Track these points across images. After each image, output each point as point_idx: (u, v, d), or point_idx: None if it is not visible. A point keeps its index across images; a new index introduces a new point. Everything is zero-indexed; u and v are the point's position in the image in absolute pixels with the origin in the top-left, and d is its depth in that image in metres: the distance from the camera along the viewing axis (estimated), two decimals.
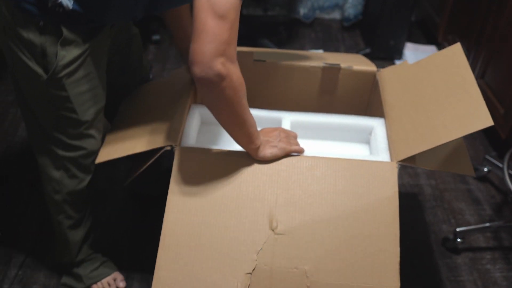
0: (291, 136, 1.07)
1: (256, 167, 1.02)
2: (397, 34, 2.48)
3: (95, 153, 1.16)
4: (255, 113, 1.18)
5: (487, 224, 1.63)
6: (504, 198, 1.77)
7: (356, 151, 1.21)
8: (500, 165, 1.70)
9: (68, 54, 0.98)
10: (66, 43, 0.97)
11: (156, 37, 2.56)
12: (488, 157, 1.82)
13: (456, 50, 1.12)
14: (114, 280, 1.42)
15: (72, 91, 1.02)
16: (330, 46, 2.66)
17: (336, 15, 2.93)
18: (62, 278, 1.42)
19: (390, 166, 1.01)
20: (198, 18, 0.79)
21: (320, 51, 2.30)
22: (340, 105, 1.35)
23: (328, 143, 1.23)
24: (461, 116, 0.99)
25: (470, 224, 1.66)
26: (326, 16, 2.94)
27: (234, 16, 0.81)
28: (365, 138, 1.21)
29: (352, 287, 0.91)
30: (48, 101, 1.04)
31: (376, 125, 1.15)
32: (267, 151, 1.02)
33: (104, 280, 1.41)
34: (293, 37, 2.73)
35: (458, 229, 1.56)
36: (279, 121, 1.18)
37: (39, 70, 0.98)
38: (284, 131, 1.08)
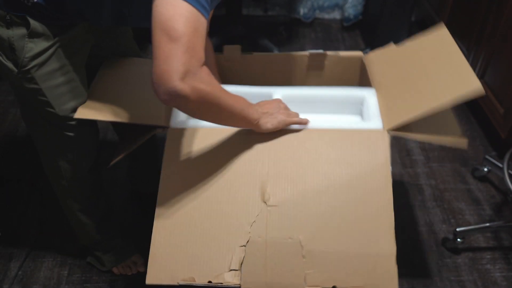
0: (288, 108, 1.07)
1: (246, 142, 1.02)
2: (397, 34, 2.48)
3: (88, 139, 1.17)
4: (246, 89, 1.16)
5: (487, 224, 1.64)
6: (504, 198, 1.77)
7: (348, 122, 1.19)
8: (500, 165, 1.70)
9: (37, 46, 0.98)
10: (34, 35, 0.97)
11: None
12: (488, 157, 1.82)
13: (440, 29, 1.13)
14: (135, 263, 1.45)
15: (43, 84, 1.02)
16: (330, 46, 2.67)
17: (336, 15, 2.93)
18: (87, 258, 1.49)
19: (381, 134, 1.01)
20: (154, 40, 0.78)
21: (320, 51, 2.30)
22: None
23: (320, 116, 1.22)
24: (450, 84, 0.99)
25: (470, 224, 1.66)
26: (326, 16, 2.94)
27: (190, 32, 0.77)
28: (357, 109, 1.20)
29: (348, 254, 0.91)
30: (25, 94, 1.05)
31: (367, 94, 1.14)
32: (268, 124, 1.01)
33: (124, 263, 1.45)
34: (293, 37, 2.73)
35: (458, 229, 1.56)
36: (270, 96, 1.17)
37: (9, 65, 0.99)
38: (281, 102, 1.06)
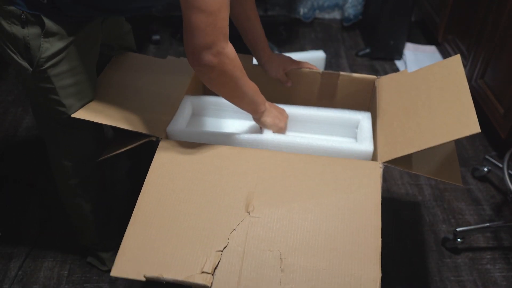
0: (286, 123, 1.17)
1: (238, 158, 1.03)
2: (397, 34, 2.48)
3: (94, 137, 1.18)
4: None
5: (487, 224, 1.64)
6: (504, 198, 1.77)
7: (340, 142, 1.17)
8: (500, 165, 1.71)
9: (52, 46, 0.99)
10: (49, 35, 0.98)
11: (156, 37, 2.56)
12: (488, 157, 1.82)
13: (454, 61, 1.13)
14: None
15: (57, 83, 1.03)
16: (330, 46, 2.67)
17: (336, 15, 2.93)
18: (87, 258, 1.48)
19: (374, 165, 1.01)
20: (184, 14, 0.84)
21: (321, 52, 2.30)
22: None
23: (315, 136, 1.23)
24: (449, 122, 1.00)
25: (470, 224, 1.66)
26: (326, 16, 2.94)
27: (221, 7, 0.84)
28: (352, 132, 1.21)
29: (330, 272, 0.87)
30: (37, 93, 1.06)
31: (362, 118, 1.16)
32: (268, 119, 1.11)
33: None
34: (293, 37, 2.73)
35: (458, 229, 1.56)
36: None
37: (24, 63, 0.99)
38: (285, 112, 1.17)
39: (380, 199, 0.96)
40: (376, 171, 1.00)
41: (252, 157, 1.03)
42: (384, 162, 1.01)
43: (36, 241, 1.56)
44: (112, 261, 1.44)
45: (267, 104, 1.10)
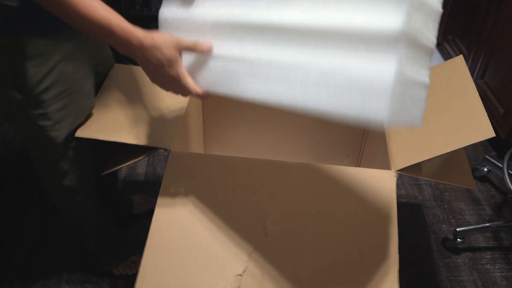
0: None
1: (251, 173, 1.00)
2: None
3: (88, 153, 1.15)
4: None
5: (487, 224, 1.64)
6: (504, 198, 1.77)
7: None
8: (500, 165, 1.71)
9: (40, 69, 0.91)
10: (34, 57, 0.90)
11: None
12: (488, 157, 1.82)
13: (458, 62, 1.11)
14: (135, 263, 1.45)
15: (49, 108, 0.97)
16: None
17: None
18: (87, 258, 1.48)
19: (388, 175, 1.00)
20: None
21: None
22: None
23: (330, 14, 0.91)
24: (462, 127, 0.98)
25: (470, 224, 1.66)
26: None
27: None
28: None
29: None
30: (25, 120, 0.99)
31: None
32: (144, 60, 0.78)
33: (124, 263, 1.45)
34: None
35: (458, 229, 1.56)
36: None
37: (11, 90, 0.93)
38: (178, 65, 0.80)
39: (396, 212, 0.95)
40: (391, 181, 0.99)
41: (264, 168, 1.01)
42: (398, 170, 1.00)
43: (36, 241, 1.56)
44: (111, 261, 1.44)
45: (148, 39, 0.75)
